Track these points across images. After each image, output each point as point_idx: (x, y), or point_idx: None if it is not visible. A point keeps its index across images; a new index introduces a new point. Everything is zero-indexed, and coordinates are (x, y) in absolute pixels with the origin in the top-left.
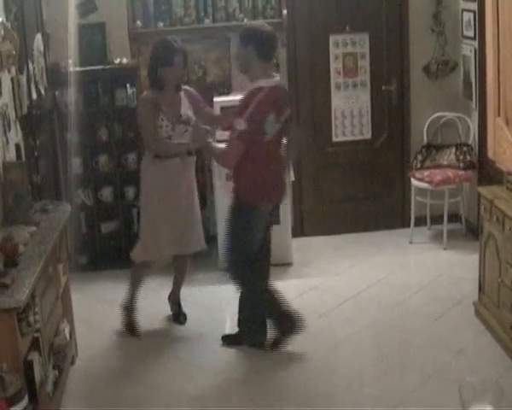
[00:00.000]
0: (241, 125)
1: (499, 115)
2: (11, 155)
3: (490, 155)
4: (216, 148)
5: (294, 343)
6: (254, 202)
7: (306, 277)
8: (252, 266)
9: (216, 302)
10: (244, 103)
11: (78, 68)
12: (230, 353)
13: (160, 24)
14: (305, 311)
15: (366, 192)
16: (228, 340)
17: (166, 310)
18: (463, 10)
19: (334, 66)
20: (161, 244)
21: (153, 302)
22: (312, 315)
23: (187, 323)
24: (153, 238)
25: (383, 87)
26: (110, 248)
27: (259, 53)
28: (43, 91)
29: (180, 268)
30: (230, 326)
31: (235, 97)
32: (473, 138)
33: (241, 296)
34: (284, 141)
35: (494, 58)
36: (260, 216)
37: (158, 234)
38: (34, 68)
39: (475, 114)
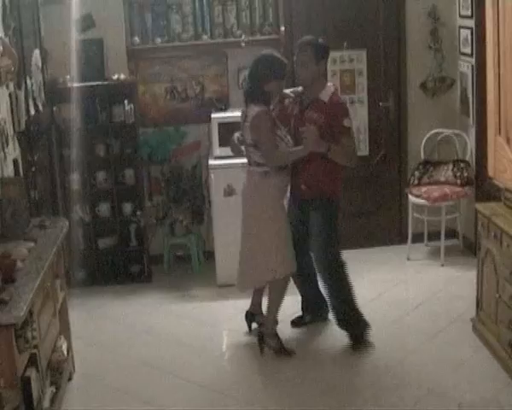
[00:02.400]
0: (350, 123)
1: (500, 134)
2: (9, 170)
3: (490, 173)
4: (337, 147)
5: (291, 363)
6: (338, 195)
7: None
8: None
9: (214, 318)
10: (341, 103)
11: (75, 84)
12: (230, 370)
13: (158, 40)
14: (301, 328)
15: (363, 208)
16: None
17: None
18: (460, 27)
19: (332, 82)
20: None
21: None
22: (308, 333)
23: (186, 339)
24: (290, 250)
25: (380, 104)
26: (108, 264)
27: (325, 66)
28: (40, 107)
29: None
30: (227, 342)
31: (233, 113)
32: (470, 155)
33: (337, 294)
34: None
35: (495, 76)
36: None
37: (290, 246)
38: (32, 84)
39: (473, 131)
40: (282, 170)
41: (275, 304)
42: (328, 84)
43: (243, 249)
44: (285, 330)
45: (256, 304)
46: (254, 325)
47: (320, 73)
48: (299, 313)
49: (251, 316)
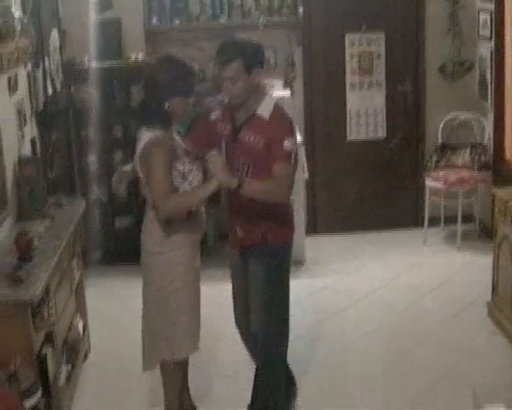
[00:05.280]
0: (292, 145)
1: None
2: (26, 150)
3: (507, 155)
4: (252, 181)
5: (304, 344)
6: (288, 239)
7: (317, 276)
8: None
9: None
10: (285, 119)
11: (93, 65)
12: (241, 352)
13: (176, 21)
14: (315, 311)
15: (380, 192)
16: None
17: None
18: (480, 10)
19: (350, 65)
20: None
21: None
22: (322, 316)
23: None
24: (196, 323)
25: (398, 87)
26: (124, 244)
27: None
28: (58, 87)
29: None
30: None
31: None
32: (488, 139)
33: (269, 371)
34: None
35: None
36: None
37: (197, 319)
38: (50, 64)
39: (491, 115)
40: (193, 215)
41: (172, 390)
42: (267, 97)
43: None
44: None
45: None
46: None
47: (256, 84)
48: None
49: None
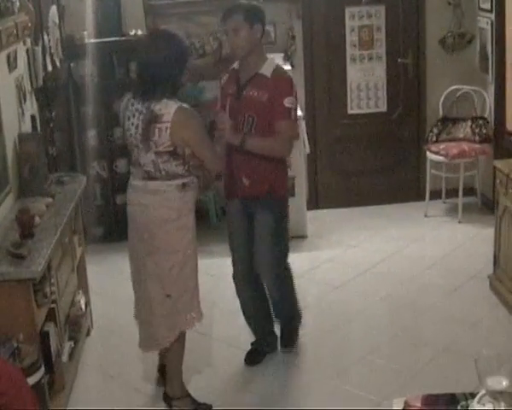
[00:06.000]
0: (292, 103)
1: None
2: (27, 126)
3: (508, 128)
4: (254, 138)
5: (308, 316)
6: (287, 192)
7: (321, 249)
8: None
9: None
10: (286, 78)
11: (93, 40)
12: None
13: None
14: (319, 283)
15: (381, 165)
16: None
17: None
18: None
19: (350, 38)
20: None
21: None
22: (327, 288)
23: (202, 294)
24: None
25: (399, 60)
26: (125, 220)
27: (262, 33)
28: (58, 63)
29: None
30: None
31: None
32: (489, 112)
33: (280, 303)
34: None
35: None
36: None
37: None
38: (49, 40)
39: (491, 88)
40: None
41: (179, 359)
42: (270, 56)
43: (144, 299)
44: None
45: (172, 373)
46: None
47: (257, 40)
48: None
49: (163, 368)
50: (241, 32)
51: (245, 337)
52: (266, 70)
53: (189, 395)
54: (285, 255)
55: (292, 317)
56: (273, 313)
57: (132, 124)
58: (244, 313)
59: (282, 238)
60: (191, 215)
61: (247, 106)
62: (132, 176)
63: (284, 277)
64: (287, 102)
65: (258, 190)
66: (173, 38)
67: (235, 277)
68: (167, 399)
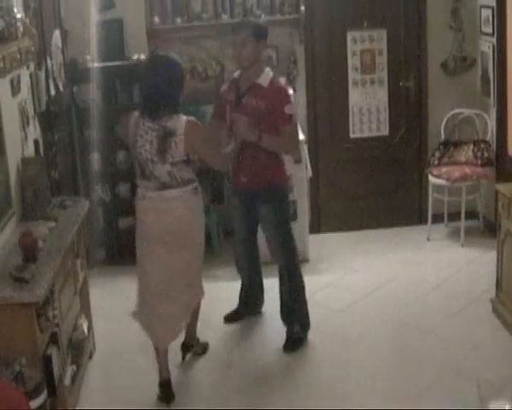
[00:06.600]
0: (292, 109)
1: None
2: (30, 150)
3: (510, 151)
4: (268, 136)
5: (310, 340)
6: (286, 181)
7: (323, 273)
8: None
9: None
10: (283, 88)
11: (96, 64)
12: (249, 347)
13: (178, 20)
14: (321, 307)
15: (383, 189)
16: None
17: None
18: (482, 6)
19: (352, 62)
20: None
21: None
22: (329, 311)
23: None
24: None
25: (401, 83)
26: (127, 244)
27: (265, 48)
28: (61, 87)
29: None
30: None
31: None
32: (490, 135)
33: (294, 287)
34: None
35: None
36: None
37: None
38: (52, 64)
39: (493, 111)
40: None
41: (196, 319)
42: (267, 69)
43: (166, 294)
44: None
45: (192, 332)
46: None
47: (260, 54)
48: (233, 309)
49: (186, 347)
50: (248, 45)
51: (247, 360)
52: (263, 81)
53: (198, 340)
54: (293, 243)
55: (302, 323)
56: (283, 314)
57: (146, 140)
58: (242, 286)
59: (288, 229)
60: (203, 214)
61: (246, 113)
62: (144, 188)
63: (296, 260)
64: (287, 109)
65: (255, 184)
66: (171, 61)
67: (236, 257)
68: (187, 347)
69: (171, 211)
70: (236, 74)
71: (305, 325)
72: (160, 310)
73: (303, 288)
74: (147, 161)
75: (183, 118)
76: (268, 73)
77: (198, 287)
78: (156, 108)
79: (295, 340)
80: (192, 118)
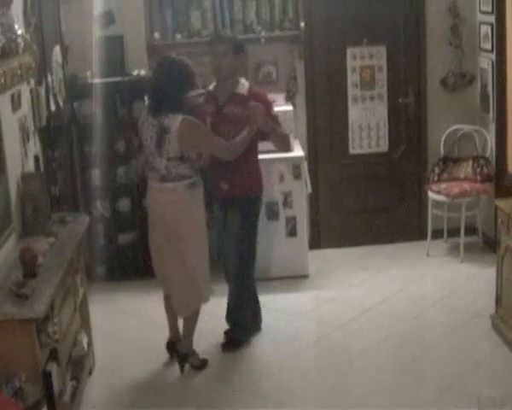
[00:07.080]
0: (275, 110)
1: None
2: (30, 166)
3: (510, 167)
4: (276, 130)
5: (310, 356)
6: (262, 189)
7: (323, 289)
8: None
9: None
10: (263, 94)
11: (96, 80)
12: (244, 364)
13: (178, 36)
14: (321, 323)
15: (383, 205)
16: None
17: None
18: (481, 23)
19: (352, 78)
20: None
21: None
22: (329, 327)
23: (202, 335)
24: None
25: (400, 100)
26: (127, 259)
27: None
28: (61, 103)
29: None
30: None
31: None
32: (490, 151)
33: (239, 293)
34: None
35: None
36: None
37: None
38: (53, 80)
39: (493, 127)
40: (200, 175)
41: (193, 325)
42: (242, 80)
43: (171, 277)
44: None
45: (175, 330)
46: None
47: (238, 67)
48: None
49: (172, 345)
50: (228, 56)
51: (245, 377)
52: (242, 89)
53: (195, 352)
54: (252, 248)
55: (242, 326)
56: (227, 315)
57: (148, 135)
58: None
59: (251, 237)
60: (202, 208)
61: (229, 122)
62: (150, 179)
63: (250, 272)
64: (273, 111)
65: (235, 192)
66: (175, 63)
67: (223, 269)
68: (182, 357)
69: (165, 201)
70: (211, 87)
71: (246, 328)
72: (169, 288)
73: (250, 299)
74: (149, 155)
75: (179, 117)
76: (244, 83)
77: (204, 283)
78: (158, 105)
79: (233, 340)
80: (189, 117)
